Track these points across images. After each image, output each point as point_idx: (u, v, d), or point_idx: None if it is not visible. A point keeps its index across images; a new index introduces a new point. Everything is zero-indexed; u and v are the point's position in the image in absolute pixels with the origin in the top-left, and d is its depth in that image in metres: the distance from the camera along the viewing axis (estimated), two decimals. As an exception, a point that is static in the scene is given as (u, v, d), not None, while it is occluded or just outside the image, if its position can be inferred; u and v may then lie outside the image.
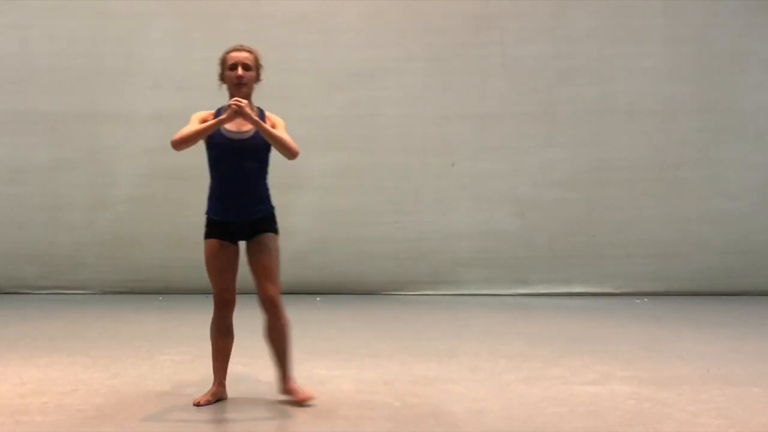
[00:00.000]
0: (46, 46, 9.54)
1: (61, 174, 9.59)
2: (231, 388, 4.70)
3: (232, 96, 4.49)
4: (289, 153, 4.50)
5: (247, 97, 4.51)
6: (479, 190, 9.74)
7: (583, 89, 9.71)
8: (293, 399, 4.54)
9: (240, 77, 4.50)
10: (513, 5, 9.70)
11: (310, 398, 4.54)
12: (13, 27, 9.54)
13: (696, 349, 6.23)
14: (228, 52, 4.58)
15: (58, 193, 9.61)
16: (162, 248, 9.47)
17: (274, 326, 4.58)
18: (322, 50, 9.64)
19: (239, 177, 4.51)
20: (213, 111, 4.57)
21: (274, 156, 4.61)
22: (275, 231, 4.63)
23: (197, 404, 4.50)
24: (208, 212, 4.61)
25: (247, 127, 4.50)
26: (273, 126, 4.53)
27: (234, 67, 4.51)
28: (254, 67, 4.57)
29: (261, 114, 4.56)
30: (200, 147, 4.59)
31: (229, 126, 4.48)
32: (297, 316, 7.92)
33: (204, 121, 4.49)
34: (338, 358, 5.79)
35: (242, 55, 4.55)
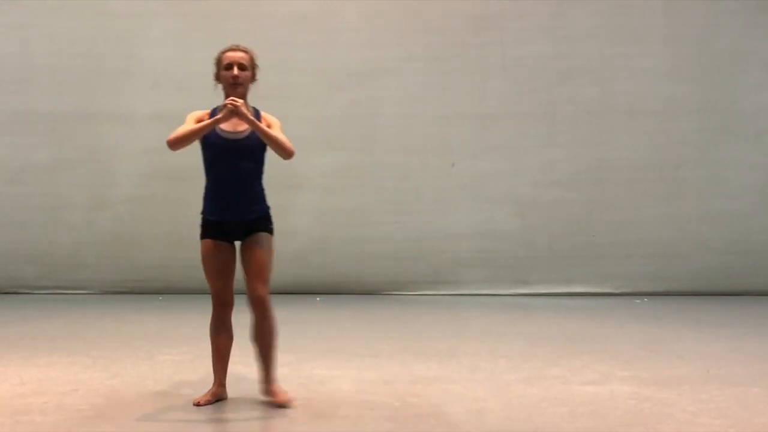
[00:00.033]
0: (46, 46, 9.54)
1: (61, 174, 9.59)
2: (231, 388, 4.70)
3: (227, 96, 4.49)
4: (285, 153, 4.50)
5: (243, 96, 4.51)
6: (479, 190, 9.74)
7: (583, 89, 9.71)
8: (273, 400, 4.51)
9: (236, 77, 4.49)
10: (513, 5, 9.70)
11: (290, 402, 4.49)
12: (13, 27, 9.54)
13: (696, 349, 6.23)
14: (223, 52, 4.58)
15: (58, 193, 9.61)
16: (162, 248, 9.47)
17: (261, 326, 4.55)
18: (322, 50, 9.64)
19: (235, 177, 4.51)
20: (208, 111, 4.57)
21: (274, 156, 4.61)
22: (270, 231, 4.62)
23: (197, 404, 4.50)
24: (204, 212, 4.61)
25: (243, 127, 4.50)
26: (268, 126, 4.52)
27: (230, 66, 4.51)
28: (250, 67, 4.57)
29: (256, 114, 4.56)
30: (198, 147, 4.59)
31: (225, 126, 4.47)
32: (297, 316, 7.97)
33: (199, 120, 4.48)
34: (338, 358, 5.78)
35: (238, 55, 4.54)
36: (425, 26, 9.68)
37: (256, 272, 4.50)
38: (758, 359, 5.86)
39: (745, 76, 9.76)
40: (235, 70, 4.50)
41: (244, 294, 4.58)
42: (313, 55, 9.61)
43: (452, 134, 9.74)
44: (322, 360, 5.72)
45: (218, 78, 4.58)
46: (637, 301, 9.26)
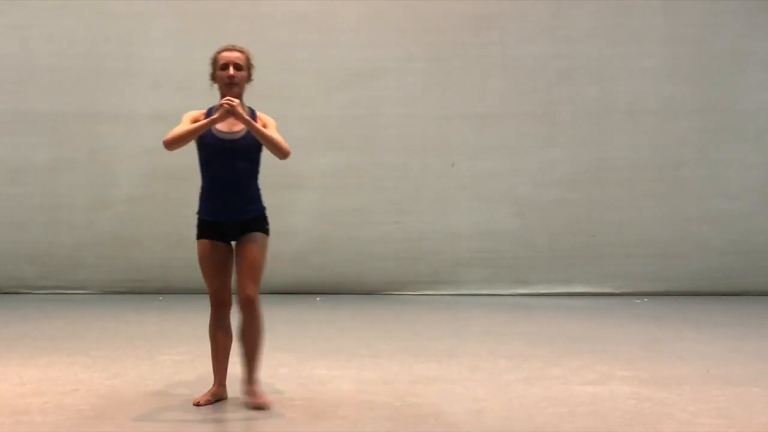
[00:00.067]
0: (46, 46, 9.54)
1: (61, 174, 9.59)
2: (231, 388, 4.69)
3: (223, 96, 4.48)
4: (281, 153, 4.49)
5: (239, 96, 4.50)
6: (479, 190, 9.74)
7: (583, 89, 9.71)
8: (251, 401, 4.47)
9: (231, 77, 4.49)
10: (513, 5, 9.70)
11: (268, 404, 4.44)
12: (13, 27, 9.54)
13: (696, 349, 6.23)
14: (219, 52, 4.57)
15: (58, 193, 9.61)
16: (162, 248, 9.47)
17: (248, 326, 4.50)
18: (322, 50, 9.64)
19: (231, 177, 4.50)
20: (204, 110, 4.57)
21: (273, 156, 4.60)
22: (265, 231, 4.60)
23: (197, 404, 4.50)
24: (200, 212, 4.61)
25: (239, 127, 4.49)
26: (264, 126, 4.51)
27: (225, 66, 4.51)
28: (246, 67, 4.56)
29: (252, 114, 4.55)
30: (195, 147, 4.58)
31: (220, 126, 4.47)
32: (297, 316, 7.98)
33: (195, 120, 4.48)
34: (338, 358, 5.78)
35: (234, 55, 4.54)
36: (425, 26, 9.68)
37: (248, 272, 4.48)
38: (758, 359, 5.86)
39: (745, 76, 9.76)
40: (231, 70, 4.49)
41: (234, 294, 4.56)
42: (313, 55, 9.61)
43: (452, 134, 9.74)
44: (322, 360, 5.72)
45: (214, 78, 4.58)
46: (637, 301, 9.26)
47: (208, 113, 4.52)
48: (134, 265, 9.57)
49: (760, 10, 9.72)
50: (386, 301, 9.19)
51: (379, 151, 9.68)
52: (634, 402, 4.60)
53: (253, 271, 4.49)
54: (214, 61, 4.57)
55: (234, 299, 4.61)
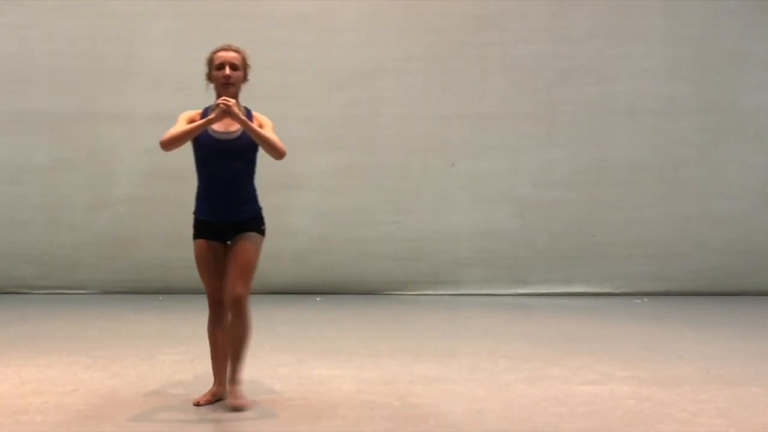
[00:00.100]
0: (46, 46, 9.53)
1: (61, 174, 9.59)
2: (231, 388, 4.69)
3: (219, 96, 4.49)
4: (276, 153, 4.48)
5: (235, 96, 4.50)
6: (479, 190, 9.74)
7: (583, 89, 9.71)
8: (230, 402, 4.45)
9: (227, 77, 4.49)
10: (513, 5, 9.70)
11: (244, 406, 4.41)
12: (13, 27, 9.54)
13: (696, 349, 6.23)
14: (215, 52, 4.57)
15: (58, 193, 9.61)
16: (162, 248, 9.47)
17: (234, 325, 4.48)
18: (322, 50, 9.64)
19: (227, 177, 4.50)
20: (200, 110, 4.57)
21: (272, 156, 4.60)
22: (260, 231, 4.60)
23: (197, 404, 4.50)
24: (196, 212, 4.61)
25: (235, 127, 4.49)
26: (260, 126, 4.51)
27: (221, 66, 4.51)
28: (242, 67, 4.56)
29: (248, 114, 4.55)
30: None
31: (216, 126, 4.47)
32: (297, 316, 7.98)
33: (191, 120, 4.48)
34: (338, 358, 5.78)
35: (230, 55, 4.54)
36: (425, 26, 9.68)
37: (239, 271, 4.45)
38: (758, 359, 5.87)
39: (745, 76, 9.75)
40: (227, 70, 4.49)
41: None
42: (313, 55, 9.61)
43: (452, 134, 9.74)
44: (322, 360, 5.72)
45: (210, 78, 4.58)
46: (637, 301, 9.26)
47: (204, 113, 4.53)
48: (134, 265, 9.57)
49: (760, 10, 9.72)
50: (386, 301, 9.19)
51: (379, 151, 9.68)
52: (634, 402, 4.60)
53: (244, 270, 4.47)
54: (210, 61, 4.57)
55: None
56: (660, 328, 7.31)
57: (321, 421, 4.22)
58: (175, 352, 5.96)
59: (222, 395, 4.61)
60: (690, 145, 9.75)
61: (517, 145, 9.72)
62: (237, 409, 4.40)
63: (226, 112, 4.36)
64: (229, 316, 4.59)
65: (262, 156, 4.63)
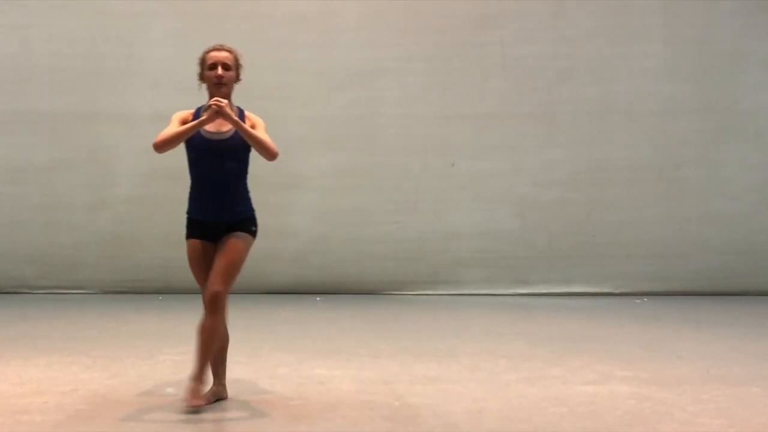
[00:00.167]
0: (46, 46, 9.54)
1: (61, 174, 9.59)
2: (231, 388, 4.69)
3: (211, 96, 4.48)
4: (268, 154, 4.47)
5: (227, 96, 4.49)
6: (479, 190, 9.74)
7: (583, 89, 9.71)
8: (184, 398, 4.36)
9: (220, 77, 4.48)
10: (513, 5, 9.70)
11: (196, 406, 4.31)
12: (13, 27, 9.54)
13: (696, 349, 6.23)
14: (207, 52, 4.56)
15: (58, 193, 9.61)
16: (162, 248, 9.46)
17: (208, 323, 4.38)
18: (322, 50, 9.64)
19: (219, 177, 4.49)
20: (193, 110, 4.57)
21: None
22: (250, 232, 4.56)
23: (197, 404, 4.49)
24: (189, 212, 4.60)
25: (227, 128, 4.48)
26: (253, 126, 4.50)
27: (214, 66, 4.49)
28: (234, 67, 4.55)
29: (240, 113, 4.54)
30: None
31: (208, 126, 4.45)
32: (297, 316, 7.98)
33: (184, 120, 4.48)
34: (338, 358, 5.78)
35: (222, 55, 4.53)
36: (425, 26, 9.68)
37: (222, 268, 4.41)
38: (758, 359, 5.86)
39: (745, 76, 9.76)
40: (219, 70, 4.48)
41: (234, 293, 4.53)
42: (313, 55, 9.61)
43: (452, 134, 9.74)
44: (322, 360, 5.72)
45: (202, 78, 4.57)
46: (637, 301, 9.26)
47: (197, 113, 4.52)
48: (134, 265, 9.57)
49: (760, 10, 9.73)
50: (386, 301, 9.19)
51: (379, 151, 9.68)
52: (634, 402, 4.60)
53: (228, 269, 4.42)
54: (202, 61, 4.56)
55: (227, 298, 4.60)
56: (660, 328, 7.31)
57: (321, 421, 4.21)
58: (175, 352, 5.96)
59: (222, 395, 4.61)
60: (690, 145, 9.76)
61: (517, 145, 9.72)
62: (190, 409, 4.29)
63: (218, 113, 4.35)
64: (224, 318, 4.57)
65: (260, 156, 4.62)
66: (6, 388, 4.84)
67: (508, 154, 9.71)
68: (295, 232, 9.58)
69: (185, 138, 4.43)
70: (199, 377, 4.38)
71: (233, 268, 4.44)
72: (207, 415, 4.35)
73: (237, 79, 4.59)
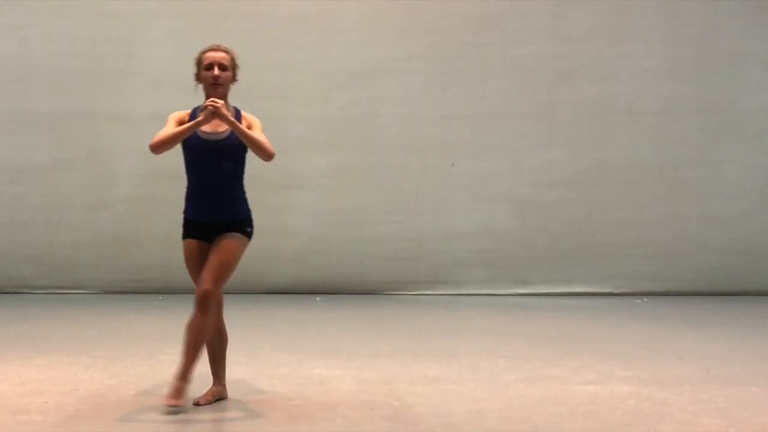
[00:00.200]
0: (46, 46, 9.53)
1: (61, 174, 9.59)
2: (231, 388, 4.69)
3: (208, 96, 4.48)
4: (264, 154, 4.47)
5: (224, 97, 4.49)
6: (479, 190, 9.74)
7: (583, 89, 9.71)
8: (164, 397, 4.35)
9: (216, 77, 4.48)
10: (513, 5, 9.70)
11: (174, 405, 4.29)
12: (13, 27, 9.54)
13: (696, 349, 6.23)
14: (204, 52, 4.56)
15: (58, 193, 9.60)
16: (162, 248, 9.45)
17: (196, 320, 4.37)
18: (322, 50, 9.64)
19: (215, 178, 4.50)
20: (189, 111, 4.57)
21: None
22: (246, 233, 4.56)
23: (197, 404, 4.50)
24: (186, 213, 4.61)
25: (223, 128, 4.48)
26: (249, 126, 4.50)
27: (210, 67, 4.50)
28: (230, 67, 4.55)
29: (237, 114, 4.55)
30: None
31: (205, 127, 4.45)
32: (297, 316, 7.98)
33: (181, 121, 4.48)
34: (338, 358, 5.78)
35: (218, 55, 4.53)
36: (425, 26, 9.68)
37: (214, 268, 4.40)
38: (758, 359, 5.86)
39: (745, 76, 9.76)
40: (216, 71, 4.49)
41: (234, 293, 4.52)
42: (313, 55, 9.61)
43: (452, 134, 9.74)
44: (322, 360, 5.72)
45: (199, 78, 4.57)
46: (637, 301, 9.26)
47: (193, 113, 4.52)
48: (134, 265, 9.57)
49: (760, 10, 9.72)
50: (386, 301, 9.19)
51: (379, 151, 9.68)
52: (634, 402, 4.60)
53: (220, 268, 4.42)
54: (199, 62, 4.56)
55: (225, 298, 4.60)
56: (660, 328, 7.31)
57: (321, 421, 4.21)
58: (175, 352, 5.93)
59: (222, 395, 4.61)
60: (690, 145, 9.76)
61: (517, 145, 9.72)
62: (172, 408, 4.27)
63: (215, 113, 4.35)
64: (222, 320, 4.57)
65: (252, 157, 4.61)
66: (6, 388, 4.84)
67: (508, 154, 9.71)
68: (295, 232, 9.57)
69: (182, 139, 4.43)
70: (183, 376, 4.36)
71: (226, 268, 4.44)
72: (207, 415, 4.35)
73: (234, 79, 4.59)
